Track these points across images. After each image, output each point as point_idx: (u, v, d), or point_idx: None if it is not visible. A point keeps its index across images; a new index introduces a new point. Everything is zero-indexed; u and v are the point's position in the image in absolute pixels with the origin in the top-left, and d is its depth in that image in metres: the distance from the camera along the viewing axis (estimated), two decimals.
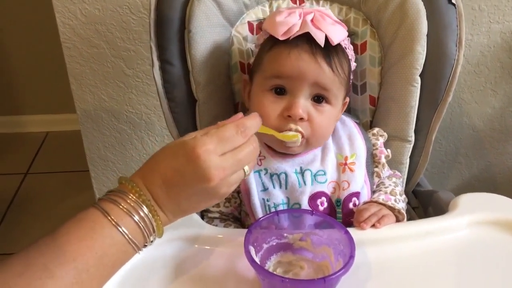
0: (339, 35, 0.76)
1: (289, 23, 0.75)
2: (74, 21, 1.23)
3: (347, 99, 0.85)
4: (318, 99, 0.77)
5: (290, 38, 0.75)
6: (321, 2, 0.91)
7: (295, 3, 0.91)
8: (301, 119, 0.75)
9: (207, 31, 0.85)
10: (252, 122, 0.60)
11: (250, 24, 0.90)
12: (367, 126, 0.93)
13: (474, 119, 1.45)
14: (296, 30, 0.74)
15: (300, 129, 0.76)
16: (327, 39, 0.74)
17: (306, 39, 0.74)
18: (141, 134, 1.41)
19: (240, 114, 0.63)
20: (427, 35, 0.85)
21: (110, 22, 1.24)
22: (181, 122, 0.89)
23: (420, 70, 0.86)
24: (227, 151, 0.57)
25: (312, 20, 0.75)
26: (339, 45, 0.77)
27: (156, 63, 0.85)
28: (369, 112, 0.93)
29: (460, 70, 1.31)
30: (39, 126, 2.40)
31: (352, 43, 0.85)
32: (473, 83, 1.39)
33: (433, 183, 1.52)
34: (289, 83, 0.76)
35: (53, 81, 2.22)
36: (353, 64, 0.83)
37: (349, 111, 0.94)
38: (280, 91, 0.77)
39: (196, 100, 0.87)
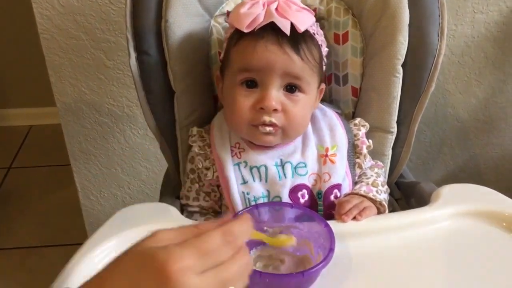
0: (305, 21, 0.75)
1: (252, 14, 0.73)
2: (52, 11, 1.21)
3: (323, 86, 0.84)
4: (291, 88, 0.76)
5: (255, 30, 0.73)
6: None
7: None
8: (275, 110, 0.74)
9: (184, 21, 0.83)
10: (242, 228, 0.47)
11: (229, 13, 0.88)
12: (349, 117, 0.92)
13: (458, 110, 1.45)
14: (260, 21, 0.73)
15: (274, 121, 0.75)
16: (293, 27, 0.73)
17: (271, 29, 0.73)
18: (123, 127, 1.39)
19: (228, 216, 0.50)
20: (409, 25, 0.84)
21: (89, 13, 1.22)
22: (158, 114, 0.87)
23: (402, 60, 0.85)
24: (209, 268, 0.43)
25: (276, 9, 0.73)
26: (306, 31, 0.75)
27: (133, 54, 0.83)
28: (351, 103, 0.92)
29: (444, 60, 1.33)
30: (22, 119, 2.39)
31: (322, 27, 0.84)
32: (457, 73, 1.39)
33: (418, 174, 1.52)
34: (259, 76, 0.75)
35: (35, 74, 2.18)
36: (325, 50, 0.82)
37: (332, 102, 0.93)
38: (251, 84, 0.75)
39: (174, 92, 0.85)
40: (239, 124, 0.77)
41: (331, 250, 0.63)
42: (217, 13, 0.88)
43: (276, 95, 0.74)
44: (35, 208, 1.88)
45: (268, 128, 0.75)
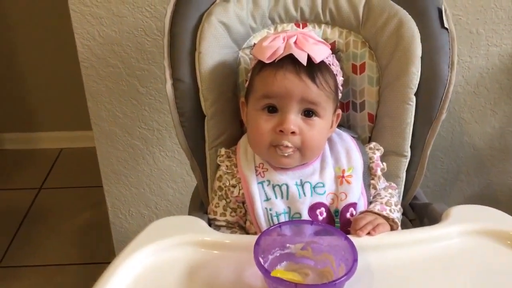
0: (321, 53, 0.82)
1: (273, 46, 0.81)
2: (92, 42, 1.30)
3: (339, 111, 0.90)
4: (308, 113, 0.82)
5: (276, 61, 0.81)
6: (322, 26, 0.97)
7: (299, 26, 0.97)
8: (293, 133, 0.81)
9: (215, 52, 0.91)
10: None
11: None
12: (366, 142, 0.98)
13: (474, 138, 1.48)
14: (280, 53, 0.80)
15: (290, 144, 0.81)
16: (310, 58, 0.80)
17: (290, 60, 0.80)
18: (152, 149, 1.46)
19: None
20: (421, 57, 0.91)
21: (126, 43, 1.31)
22: (190, 136, 0.94)
23: (415, 89, 0.91)
24: None
25: (295, 42, 0.80)
26: (322, 62, 0.82)
27: (169, 81, 0.91)
28: (367, 128, 0.98)
29: (460, 90, 1.39)
30: (53, 142, 2.45)
31: (338, 59, 0.90)
32: (473, 103, 1.43)
33: (435, 200, 1.55)
34: (279, 102, 0.82)
35: (67, 99, 2.27)
36: (340, 79, 0.87)
37: (349, 127, 0.99)
38: (272, 109, 0.83)
39: (205, 115, 0.93)
40: (260, 146, 0.84)
41: (355, 260, 0.67)
42: (244, 45, 0.96)
43: (294, 119, 0.81)
44: (64, 227, 1.92)
45: (287, 151, 0.82)
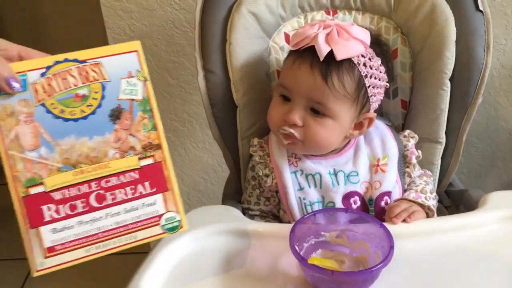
0: (347, 51, 0.77)
1: (303, 34, 0.79)
2: (123, 36, 1.32)
3: (372, 115, 0.85)
4: (316, 111, 0.81)
5: (300, 49, 0.80)
6: (353, 13, 0.96)
7: (329, 14, 0.97)
8: (295, 124, 0.81)
9: (246, 43, 0.91)
10: None
11: (286, 35, 0.96)
12: (399, 129, 0.97)
13: (510, 123, 1.45)
14: (306, 42, 0.79)
15: (293, 132, 0.81)
16: (332, 54, 0.77)
17: (312, 52, 0.78)
18: (184, 141, 1.48)
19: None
20: (456, 41, 0.89)
21: (156, 36, 1.32)
22: (222, 126, 0.95)
23: (450, 74, 0.90)
24: None
25: (328, 34, 0.78)
26: (347, 61, 0.78)
27: (201, 72, 0.92)
28: (401, 115, 0.97)
29: (495, 74, 1.36)
30: None
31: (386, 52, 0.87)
32: (509, 87, 1.39)
33: (470, 187, 1.52)
34: (290, 93, 0.82)
35: None
36: (370, 80, 0.81)
37: (382, 114, 0.98)
38: (285, 98, 0.83)
39: (237, 106, 0.93)
40: (271, 126, 0.86)
41: (391, 247, 0.67)
42: (274, 34, 0.96)
43: (300, 112, 0.81)
44: None
45: (288, 140, 0.83)
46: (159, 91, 1.41)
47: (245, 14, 0.91)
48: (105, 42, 1.34)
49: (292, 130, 0.81)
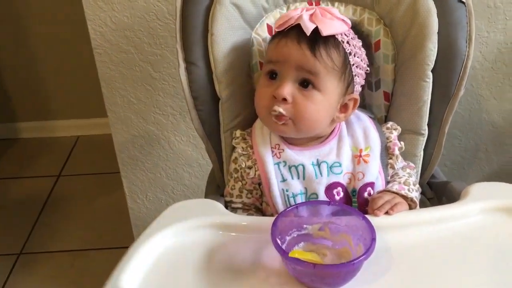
0: (332, 28, 0.81)
1: (288, 16, 0.82)
2: (105, 28, 1.30)
3: (356, 96, 0.86)
4: (306, 84, 0.81)
5: (285, 30, 0.81)
6: (336, 4, 0.96)
7: (311, 5, 0.96)
8: (284, 100, 0.80)
9: (228, 34, 0.90)
10: None
11: (269, 26, 0.95)
12: (382, 121, 0.97)
13: (493, 115, 1.46)
14: (291, 23, 0.81)
15: (283, 111, 0.81)
16: (317, 31, 0.79)
17: (297, 30, 0.80)
18: (167, 134, 1.47)
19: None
20: (438, 32, 0.89)
21: (138, 28, 1.31)
22: (205, 119, 0.94)
23: (432, 66, 0.90)
24: None
25: (311, 15, 0.80)
26: (332, 37, 0.81)
27: (182, 65, 0.91)
28: (383, 107, 0.97)
29: (478, 67, 1.36)
30: (70, 130, 2.48)
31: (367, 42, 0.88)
32: (491, 79, 1.40)
33: (453, 179, 1.53)
34: (278, 67, 0.82)
35: (83, 87, 2.29)
36: (354, 59, 0.84)
37: (365, 107, 0.98)
38: (273, 76, 0.83)
39: (219, 99, 0.92)
40: (259, 111, 0.86)
41: (373, 239, 0.67)
42: (257, 26, 0.95)
43: (289, 86, 0.81)
44: (83, 213, 1.96)
45: (280, 121, 0.82)
46: (142, 84, 1.39)
47: (227, 5, 0.90)
48: (84, 34, 1.32)
49: (281, 110, 0.81)
